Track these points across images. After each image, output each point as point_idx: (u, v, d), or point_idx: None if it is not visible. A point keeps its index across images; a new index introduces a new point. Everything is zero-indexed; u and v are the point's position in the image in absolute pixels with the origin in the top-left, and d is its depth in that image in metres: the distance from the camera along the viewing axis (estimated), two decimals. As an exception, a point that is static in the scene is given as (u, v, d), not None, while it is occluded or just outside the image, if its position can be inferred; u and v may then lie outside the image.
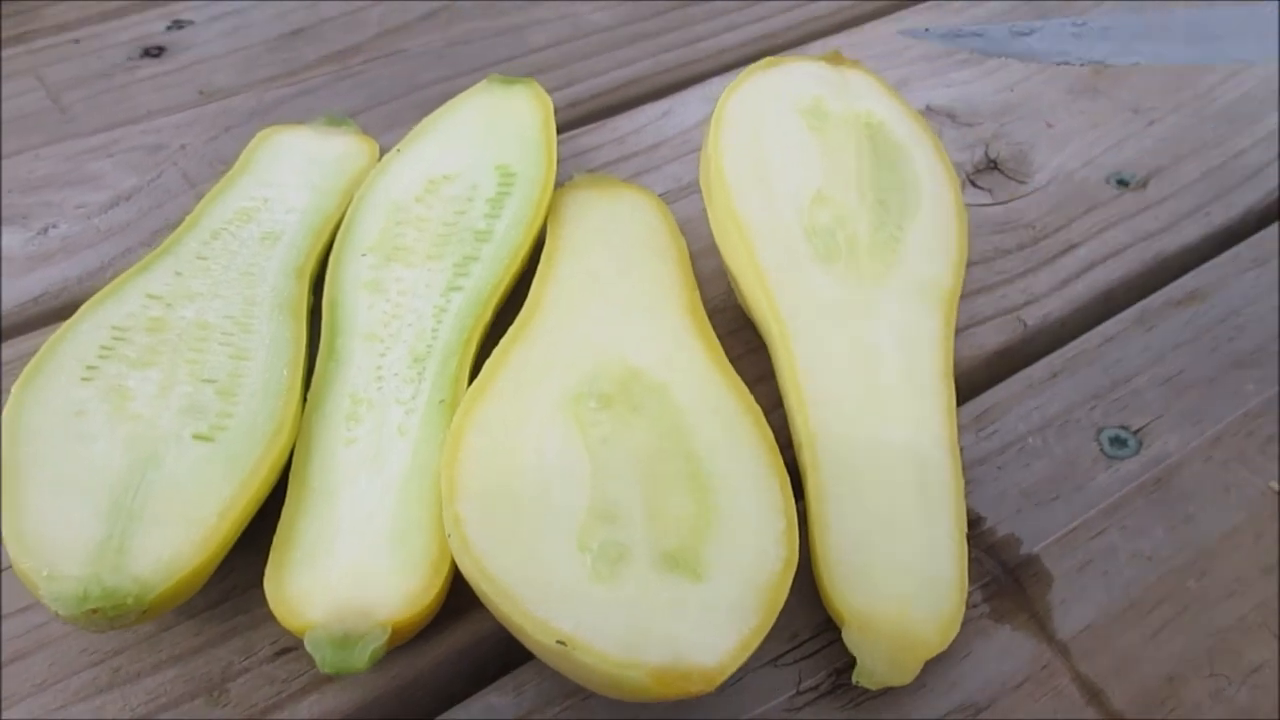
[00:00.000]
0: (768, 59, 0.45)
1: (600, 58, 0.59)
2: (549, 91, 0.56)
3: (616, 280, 0.40)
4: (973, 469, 0.38)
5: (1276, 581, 0.34)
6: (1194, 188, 0.51)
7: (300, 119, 0.53)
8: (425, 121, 0.48)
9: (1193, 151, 0.53)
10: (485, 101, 0.48)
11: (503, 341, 0.36)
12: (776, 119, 0.43)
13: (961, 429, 0.39)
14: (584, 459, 0.32)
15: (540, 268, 0.40)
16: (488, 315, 0.39)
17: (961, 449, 0.38)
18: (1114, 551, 0.36)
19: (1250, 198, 0.50)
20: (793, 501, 0.32)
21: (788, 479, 0.33)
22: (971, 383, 0.42)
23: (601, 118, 0.55)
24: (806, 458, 0.34)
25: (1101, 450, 0.39)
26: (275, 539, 0.33)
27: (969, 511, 0.37)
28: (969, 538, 0.35)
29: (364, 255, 0.41)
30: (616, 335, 0.37)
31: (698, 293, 0.40)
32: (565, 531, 0.30)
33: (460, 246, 0.41)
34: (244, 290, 0.39)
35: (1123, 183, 0.51)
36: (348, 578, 0.31)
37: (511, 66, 0.58)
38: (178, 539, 0.30)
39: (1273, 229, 0.48)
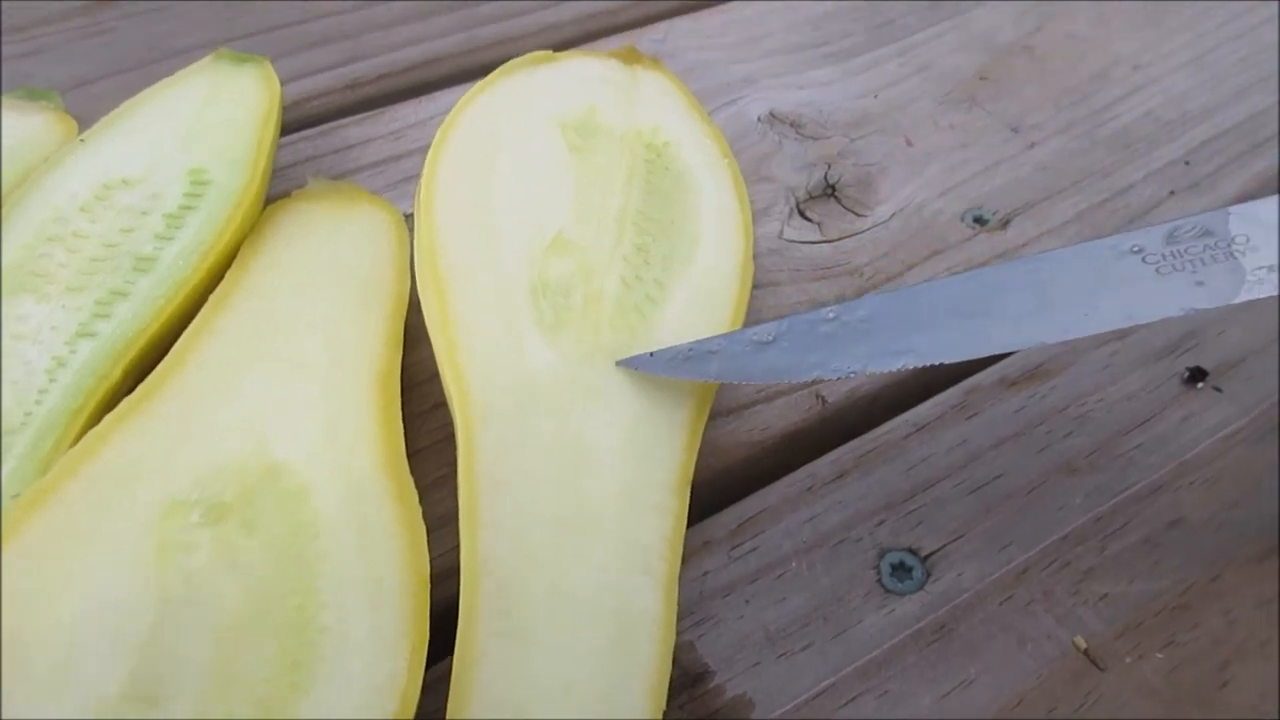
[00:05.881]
0: (535, 54, 0.37)
1: (401, 28, 0.50)
2: (326, 69, 0.48)
3: (296, 333, 0.32)
4: (713, 602, 0.30)
5: (1056, 783, 0.27)
6: (1063, 230, 0.43)
7: (18, 85, 0.44)
8: (125, 105, 0.39)
9: (1073, 183, 0.45)
10: (202, 84, 0.39)
11: (106, 419, 0.28)
12: (525, 135, 0.34)
13: (713, 544, 0.32)
14: (149, 606, 0.24)
15: (202, 312, 0.32)
16: (117, 373, 0.31)
17: (705, 574, 0.31)
18: (866, 725, 0.28)
19: (1129, 247, 0.42)
20: (421, 670, 0.25)
21: (426, 636, 0.25)
22: (747, 476, 0.34)
23: (384, 104, 0.46)
24: (465, 602, 0.27)
25: (879, 581, 0.31)
26: None
27: (695, 663, 0.29)
28: (686, 701, 0.28)
29: (-10, 282, 0.33)
30: (266, 415, 0.29)
31: (399, 354, 0.32)
32: (72, 725, 0.22)
33: (112, 277, 0.33)
34: None
35: (980, 220, 0.43)
36: None
37: (289, 34, 0.49)
38: None
39: (1147, 289, 0.40)
